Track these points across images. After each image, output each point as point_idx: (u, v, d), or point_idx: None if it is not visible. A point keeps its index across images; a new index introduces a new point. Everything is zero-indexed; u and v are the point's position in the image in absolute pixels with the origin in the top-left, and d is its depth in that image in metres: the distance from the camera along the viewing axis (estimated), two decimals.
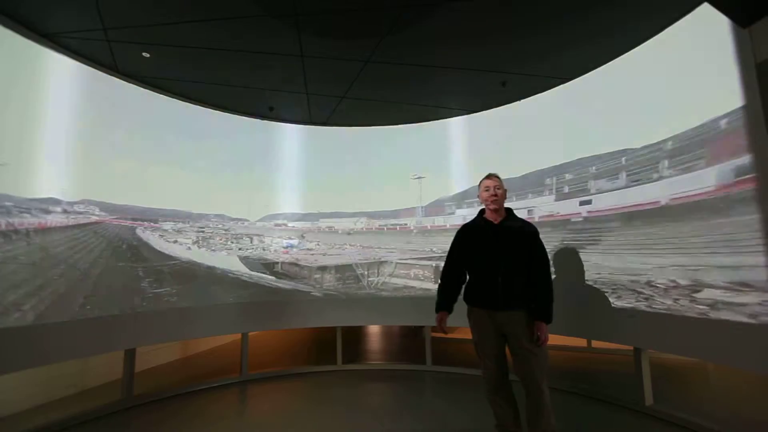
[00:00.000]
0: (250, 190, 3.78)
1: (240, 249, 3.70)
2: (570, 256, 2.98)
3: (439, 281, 2.17)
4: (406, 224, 3.93)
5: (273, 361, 4.05)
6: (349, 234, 3.95)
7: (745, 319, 2.10)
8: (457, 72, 3.05)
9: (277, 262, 3.82)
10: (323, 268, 3.86)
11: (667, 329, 2.43)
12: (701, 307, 2.31)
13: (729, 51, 2.18)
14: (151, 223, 3.21)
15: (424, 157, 3.93)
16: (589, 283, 2.91)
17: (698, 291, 2.34)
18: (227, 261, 3.62)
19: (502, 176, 2.21)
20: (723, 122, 2.28)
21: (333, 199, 3.99)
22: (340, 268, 3.87)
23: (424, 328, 3.78)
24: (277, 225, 3.90)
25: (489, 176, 2.11)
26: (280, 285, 3.79)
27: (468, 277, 2.11)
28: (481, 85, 3.26)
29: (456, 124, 3.89)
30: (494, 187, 2.07)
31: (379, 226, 3.96)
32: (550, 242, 3.08)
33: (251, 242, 3.77)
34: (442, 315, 2.08)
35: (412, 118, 3.90)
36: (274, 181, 3.89)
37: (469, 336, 2.11)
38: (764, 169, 2.00)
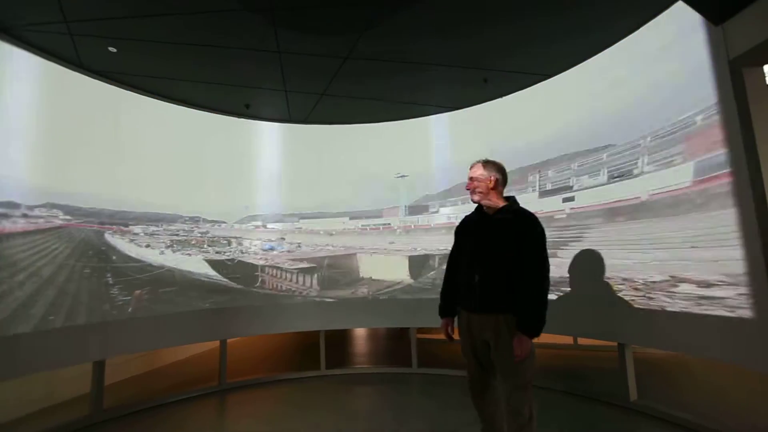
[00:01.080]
0: (227, 192, 3.72)
1: (217, 252, 3.64)
2: (553, 252, 3.03)
3: (442, 284, 2.07)
4: (389, 224, 3.94)
5: (253, 368, 4.00)
6: (331, 235, 3.93)
7: (725, 312, 2.17)
8: (438, 68, 3.06)
9: (257, 265, 3.79)
10: (304, 270, 3.84)
11: (649, 324, 2.49)
12: (682, 302, 2.38)
13: (703, 48, 2.26)
14: (121, 227, 3.11)
15: (407, 155, 3.94)
16: (573, 279, 2.96)
17: (679, 285, 2.41)
18: (203, 265, 3.55)
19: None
20: (699, 118, 2.36)
21: (314, 200, 3.96)
22: (321, 270, 3.85)
23: (409, 330, 3.75)
24: (255, 227, 3.86)
25: (470, 166, 1.99)
26: (259, 289, 3.74)
27: None
28: (463, 81, 3.28)
29: (438, 121, 3.90)
30: (470, 178, 1.92)
31: (362, 226, 3.95)
32: None
33: (229, 245, 3.71)
34: (446, 321, 1.99)
35: (394, 116, 3.89)
36: (253, 182, 3.85)
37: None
38: (739, 164, 2.08)
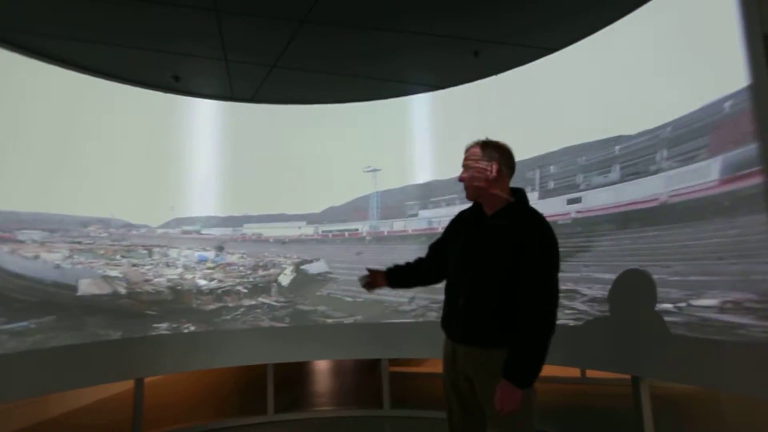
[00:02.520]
0: (148, 188, 3.61)
1: (134, 265, 3.52)
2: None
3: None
4: (356, 230, 3.93)
5: (179, 414, 3.87)
6: (283, 244, 3.90)
7: (760, 339, 2.19)
8: (418, 37, 3.05)
9: (187, 282, 3.69)
10: (249, 289, 3.79)
11: (670, 354, 2.49)
12: (708, 326, 2.39)
13: (733, 20, 2.29)
14: (1, 233, 2.91)
15: (380, 143, 3.92)
16: (579, 298, 2.95)
17: (704, 306, 2.43)
18: (114, 282, 3.40)
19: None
20: (727, 104, 2.39)
21: (262, 199, 3.91)
22: (271, 289, 3.83)
23: (380, 362, 3.72)
24: (185, 232, 3.79)
25: (466, 149, 1.90)
26: (188, 312, 3.64)
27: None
28: (449, 54, 3.28)
29: (419, 102, 3.89)
30: (464, 165, 1.84)
31: (323, 232, 3.93)
32: None
33: (150, 256, 3.61)
34: (378, 270, 2.09)
35: (364, 95, 3.85)
36: (183, 176, 3.76)
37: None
38: None
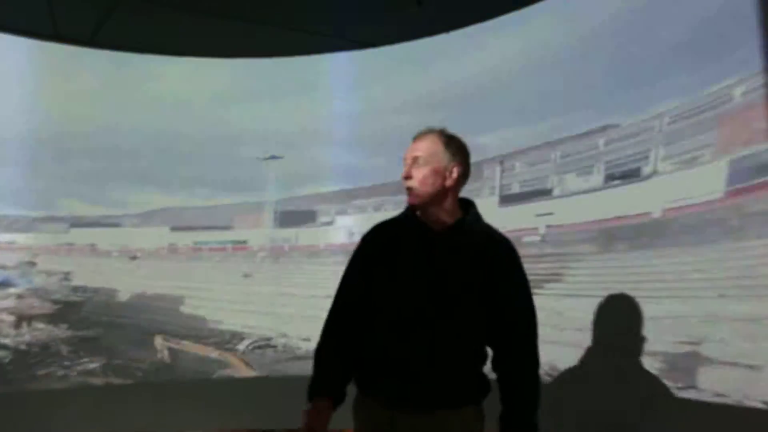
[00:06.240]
0: None
1: None
2: None
3: (319, 341, 1.98)
4: (244, 242, 3.90)
5: None
6: (134, 259, 3.84)
7: (760, 404, 2.25)
8: None
9: None
10: (76, 328, 3.63)
11: (669, 421, 2.51)
12: (716, 385, 2.43)
13: None
14: None
15: (283, 120, 3.87)
16: (552, 346, 2.94)
17: (706, 358, 2.47)
18: None
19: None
20: (737, 91, 2.48)
21: (101, 191, 3.82)
22: (110, 327, 3.71)
23: None
24: None
25: (416, 136, 1.89)
26: None
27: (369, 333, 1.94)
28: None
29: (338, 65, 3.86)
30: (411, 158, 1.83)
31: (195, 243, 3.87)
32: None
33: None
34: (317, 406, 1.85)
35: (262, 48, 3.80)
36: None
37: None
38: None
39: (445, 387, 1.74)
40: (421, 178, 1.77)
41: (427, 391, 1.73)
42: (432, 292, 1.76)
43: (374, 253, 1.93)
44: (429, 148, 1.81)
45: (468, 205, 1.88)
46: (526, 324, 1.79)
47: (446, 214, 1.82)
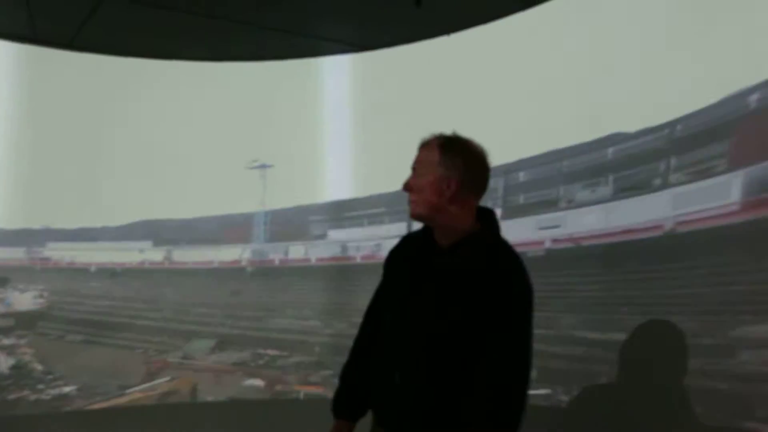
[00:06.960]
0: None
1: None
2: None
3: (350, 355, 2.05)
4: (235, 258, 3.87)
5: None
6: (113, 275, 3.87)
7: None
8: None
9: None
10: (55, 349, 3.62)
11: None
12: (734, 410, 2.43)
13: None
14: None
15: (275, 127, 3.87)
16: (559, 367, 2.96)
17: (724, 383, 2.47)
18: None
19: None
20: (753, 98, 2.49)
21: (81, 202, 3.78)
22: (90, 348, 3.70)
23: None
24: None
25: (420, 143, 1.85)
26: None
27: None
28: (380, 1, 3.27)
29: (334, 69, 3.90)
30: (413, 168, 1.82)
31: (178, 258, 3.85)
32: None
33: None
34: (337, 426, 1.92)
35: (253, 51, 3.81)
36: None
37: None
38: None
39: (413, 414, 1.74)
40: (417, 190, 1.76)
41: (408, 415, 1.75)
42: (418, 313, 1.76)
43: (389, 268, 1.95)
44: (425, 157, 1.77)
45: (486, 218, 1.83)
46: (505, 363, 1.67)
47: (452, 229, 1.78)
